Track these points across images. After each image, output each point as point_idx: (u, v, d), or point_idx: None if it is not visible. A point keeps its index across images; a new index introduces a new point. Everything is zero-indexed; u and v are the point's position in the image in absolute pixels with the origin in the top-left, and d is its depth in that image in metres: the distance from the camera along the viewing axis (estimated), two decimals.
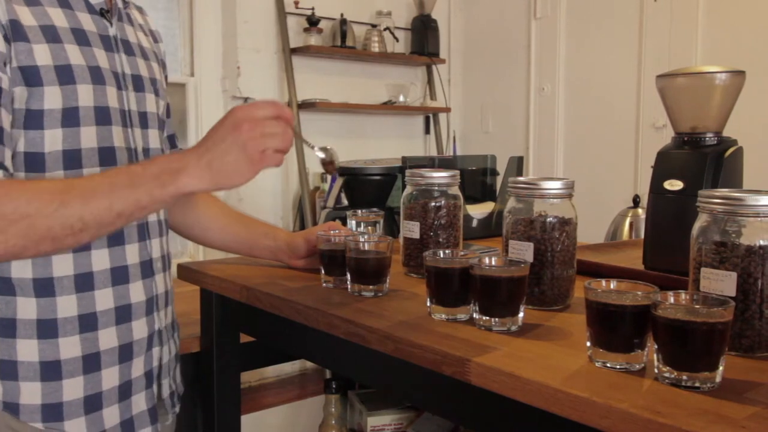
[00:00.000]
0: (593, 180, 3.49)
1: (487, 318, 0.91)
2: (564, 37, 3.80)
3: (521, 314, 0.92)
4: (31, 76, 0.93)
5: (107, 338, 1.01)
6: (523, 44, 4.00)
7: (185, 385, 1.25)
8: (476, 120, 4.34)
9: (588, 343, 0.80)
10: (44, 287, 0.96)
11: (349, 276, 1.11)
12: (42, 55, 0.94)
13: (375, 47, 3.90)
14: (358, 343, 0.96)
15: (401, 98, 4.09)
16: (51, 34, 0.95)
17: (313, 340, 1.12)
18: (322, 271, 1.18)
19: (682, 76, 1.18)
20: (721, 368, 0.71)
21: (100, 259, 1.01)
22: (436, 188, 1.21)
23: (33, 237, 0.86)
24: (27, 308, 0.95)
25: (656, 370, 0.73)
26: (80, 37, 0.99)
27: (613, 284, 0.81)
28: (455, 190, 1.23)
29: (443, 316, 0.97)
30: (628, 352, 0.76)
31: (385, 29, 3.97)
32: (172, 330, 1.18)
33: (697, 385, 0.70)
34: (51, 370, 0.96)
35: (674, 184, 1.14)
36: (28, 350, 0.95)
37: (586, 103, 3.73)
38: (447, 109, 4.31)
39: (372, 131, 4.09)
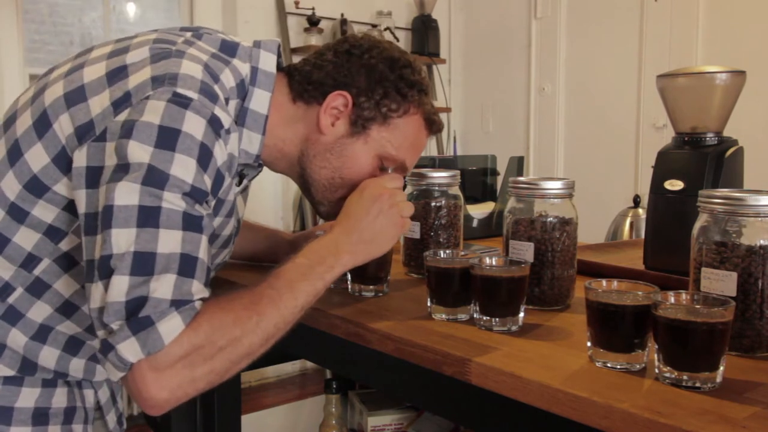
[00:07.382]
0: (593, 180, 3.49)
1: (488, 318, 0.91)
2: (564, 37, 3.80)
3: (522, 314, 0.92)
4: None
5: (77, 366, 1.02)
6: (523, 44, 4.00)
7: None
8: (477, 120, 4.34)
9: (588, 343, 0.80)
10: (40, 333, 0.96)
11: (349, 276, 1.11)
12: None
13: None
14: (359, 343, 0.96)
15: None
16: (218, 207, 0.99)
17: (313, 340, 1.12)
18: None
19: (682, 76, 1.18)
20: (721, 368, 0.71)
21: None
22: (437, 188, 1.21)
23: (236, 359, 0.84)
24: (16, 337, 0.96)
25: (657, 370, 0.73)
26: (227, 208, 1.03)
27: (613, 284, 0.81)
28: (456, 190, 1.23)
29: (444, 316, 0.97)
30: (629, 352, 0.76)
31: (385, 29, 3.97)
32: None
33: (697, 385, 0.71)
34: (13, 380, 0.97)
35: (675, 184, 1.14)
36: (15, 341, 0.96)
37: (587, 103, 3.72)
38: (447, 109, 4.30)
39: None
